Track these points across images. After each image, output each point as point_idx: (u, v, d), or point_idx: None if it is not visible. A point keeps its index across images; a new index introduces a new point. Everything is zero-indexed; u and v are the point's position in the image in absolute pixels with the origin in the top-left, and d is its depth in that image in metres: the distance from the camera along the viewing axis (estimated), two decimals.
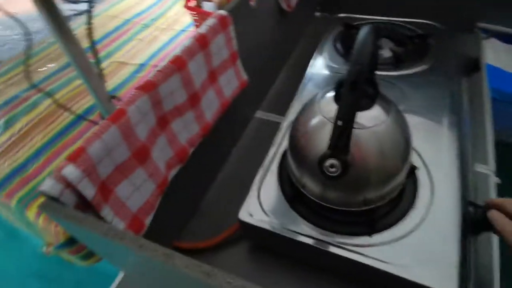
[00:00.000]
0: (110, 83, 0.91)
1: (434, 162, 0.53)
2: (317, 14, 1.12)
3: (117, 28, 1.14)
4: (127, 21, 1.18)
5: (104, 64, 0.99)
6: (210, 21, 0.50)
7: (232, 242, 0.55)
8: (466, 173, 0.55)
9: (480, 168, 0.62)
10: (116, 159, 0.37)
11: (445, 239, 0.44)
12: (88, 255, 0.67)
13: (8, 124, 0.82)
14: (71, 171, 0.32)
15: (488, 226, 0.45)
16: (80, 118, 0.59)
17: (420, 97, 0.64)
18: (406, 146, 0.45)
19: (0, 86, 0.95)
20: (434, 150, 0.55)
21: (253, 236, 0.52)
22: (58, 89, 0.92)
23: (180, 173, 0.51)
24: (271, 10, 0.77)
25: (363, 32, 0.38)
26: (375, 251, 0.44)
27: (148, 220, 0.42)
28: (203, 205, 0.63)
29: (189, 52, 0.46)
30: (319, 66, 0.78)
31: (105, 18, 1.21)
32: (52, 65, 1.01)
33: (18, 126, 0.81)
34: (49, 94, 0.72)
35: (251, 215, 0.50)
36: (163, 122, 0.44)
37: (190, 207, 0.61)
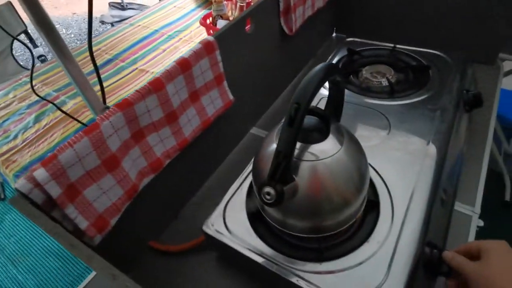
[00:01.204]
0: (128, 89, 1.00)
1: (401, 197, 0.53)
2: (334, 35, 1.13)
3: (145, 38, 1.25)
4: (155, 32, 1.28)
5: (127, 71, 1.09)
6: (195, 46, 0.55)
7: (203, 249, 0.59)
8: (439, 212, 0.54)
9: (462, 208, 0.61)
10: (86, 165, 0.43)
11: (392, 277, 0.44)
12: None
13: (37, 119, 0.94)
14: (40, 173, 0.38)
15: (442, 270, 0.45)
16: (85, 126, 0.67)
17: (405, 129, 0.64)
18: (359, 179, 0.46)
19: (38, 84, 1.09)
20: (404, 186, 0.54)
21: (214, 246, 0.56)
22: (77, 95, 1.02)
23: (160, 179, 0.56)
24: (274, 33, 0.80)
25: (313, 71, 0.40)
26: (320, 278, 0.46)
27: (113, 221, 0.47)
28: (186, 211, 0.68)
29: (168, 75, 0.51)
30: None
31: (137, 28, 1.32)
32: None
33: (44, 121, 0.93)
34: (65, 101, 0.81)
35: (213, 226, 0.53)
36: (138, 135, 0.50)
37: (171, 212, 0.66)
